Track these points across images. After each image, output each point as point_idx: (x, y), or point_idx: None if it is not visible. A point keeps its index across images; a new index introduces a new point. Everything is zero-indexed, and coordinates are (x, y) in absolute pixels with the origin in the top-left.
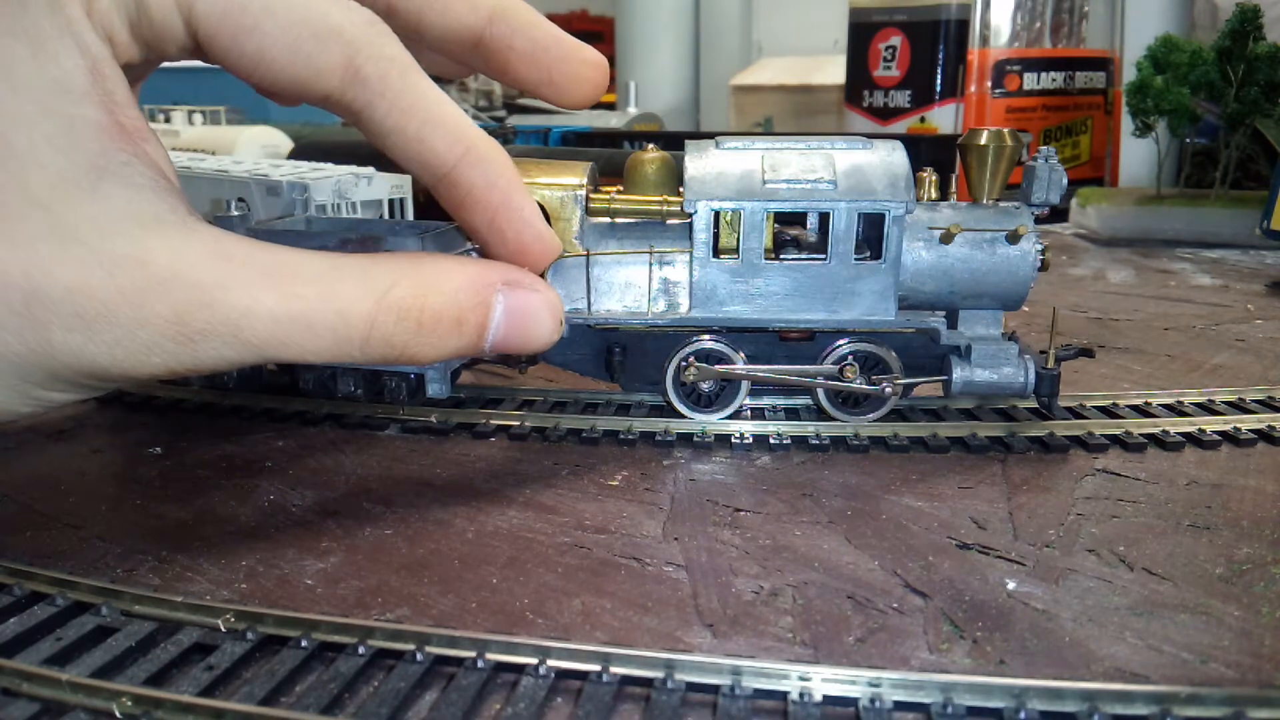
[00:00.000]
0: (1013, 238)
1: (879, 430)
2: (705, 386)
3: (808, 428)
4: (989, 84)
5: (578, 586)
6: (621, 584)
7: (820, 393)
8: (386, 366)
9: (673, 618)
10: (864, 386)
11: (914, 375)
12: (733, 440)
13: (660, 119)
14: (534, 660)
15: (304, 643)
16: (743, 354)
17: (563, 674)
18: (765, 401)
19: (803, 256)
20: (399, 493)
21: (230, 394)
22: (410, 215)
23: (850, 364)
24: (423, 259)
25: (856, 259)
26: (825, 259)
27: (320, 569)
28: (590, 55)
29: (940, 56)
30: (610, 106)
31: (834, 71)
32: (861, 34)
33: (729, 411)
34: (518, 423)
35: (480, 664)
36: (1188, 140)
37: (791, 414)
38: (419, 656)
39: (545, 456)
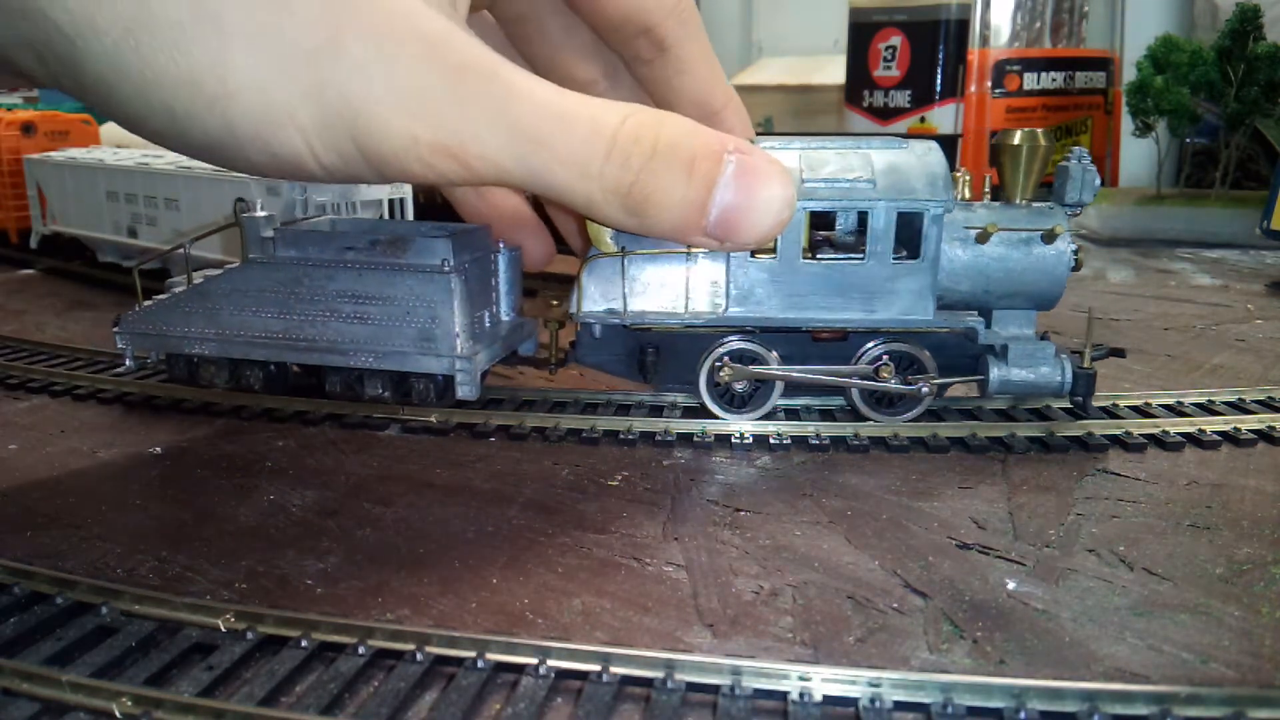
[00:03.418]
0: (1049, 237)
1: (879, 430)
2: (739, 387)
3: (807, 428)
4: (989, 84)
5: (578, 586)
6: (621, 584)
7: (855, 393)
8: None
9: (673, 618)
10: (900, 386)
11: (946, 375)
12: (733, 440)
13: None
14: (534, 660)
15: (304, 643)
16: (775, 354)
17: (563, 674)
18: (798, 402)
19: (840, 256)
20: (399, 493)
21: (230, 394)
22: (410, 215)
23: (886, 364)
24: (654, 109)
25: (894, 259)
26: (863, 259)
27: (320, 569)
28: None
29: (940, 56)
30: None
31: (834, 71)
32: (862, 34)
33: (763, 412)
34: (517, 423)
35: (480, 664)
36: (1188, 140)
37: (791, 414)
38: (419, 656)
39: (545, 456)
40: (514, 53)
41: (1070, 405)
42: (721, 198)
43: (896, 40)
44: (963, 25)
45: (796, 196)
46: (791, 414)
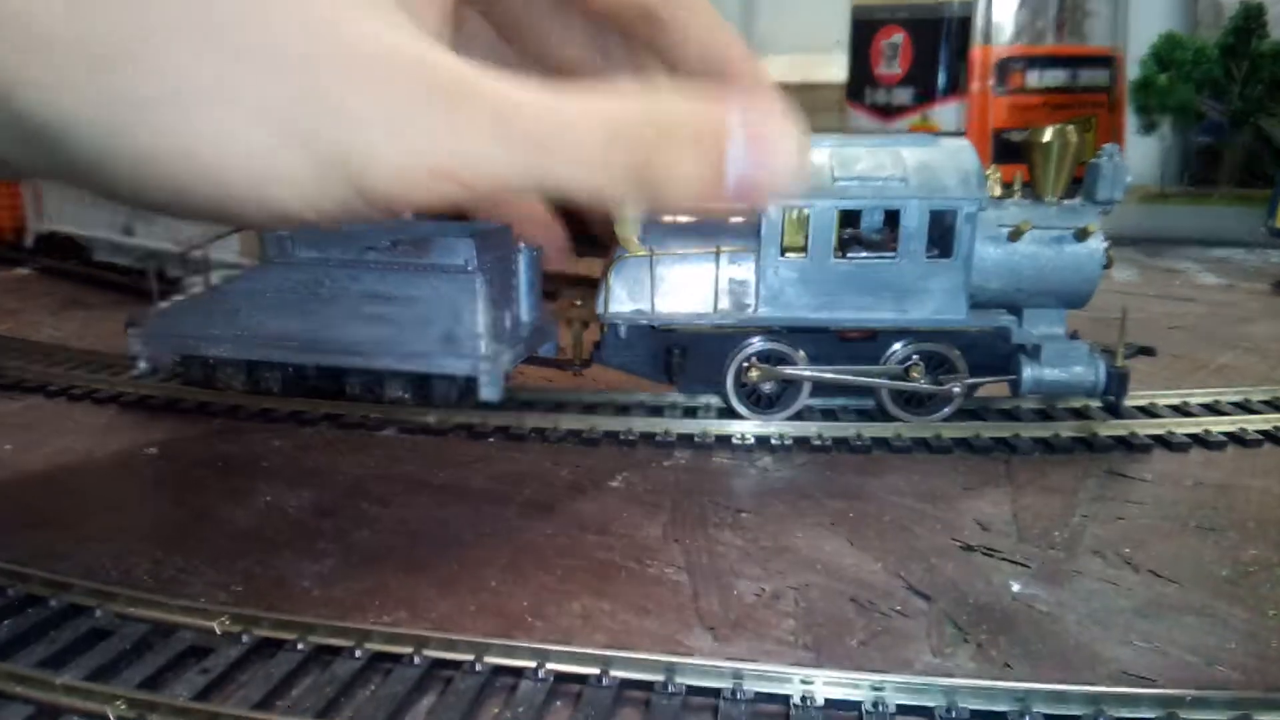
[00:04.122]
0: (1081, 235)
1: (881, 431)
2: (766, 388)
3: (809, 429)
4: (992, 81)
5: (577, 588)
6: (622, 586)
7: (884, 393)
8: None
9: (673, 620)
10: (931, 387)
11: (976, 375)
12: (734, 441)
13: None
14: (533, 663)
15: (300, 646)
16: (802, 354)
17: (562, 677)
18: (816, 401)
19: (872, 255)
20: (396, 494)
21: (225, 394)
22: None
23: (916, 364)
24: (649, 86)
25: (927, 257)
26: (895, 257)
27: (317, 571)
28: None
29: (943, 54)
30: None
31: (836, 69)
32: (864, 31)
33: (791, 412)
34: (516, 423)
35: (479, 667)
36: (1192, 138)
37: (793, 415)
38: (416, 660)
39: (545, 457)
40: (502, 44)
41: (1103, 404)
42: (735, 167)
43: (899, 38)
44: (965, 22)
45: (808, 140)
46: (793, 414)
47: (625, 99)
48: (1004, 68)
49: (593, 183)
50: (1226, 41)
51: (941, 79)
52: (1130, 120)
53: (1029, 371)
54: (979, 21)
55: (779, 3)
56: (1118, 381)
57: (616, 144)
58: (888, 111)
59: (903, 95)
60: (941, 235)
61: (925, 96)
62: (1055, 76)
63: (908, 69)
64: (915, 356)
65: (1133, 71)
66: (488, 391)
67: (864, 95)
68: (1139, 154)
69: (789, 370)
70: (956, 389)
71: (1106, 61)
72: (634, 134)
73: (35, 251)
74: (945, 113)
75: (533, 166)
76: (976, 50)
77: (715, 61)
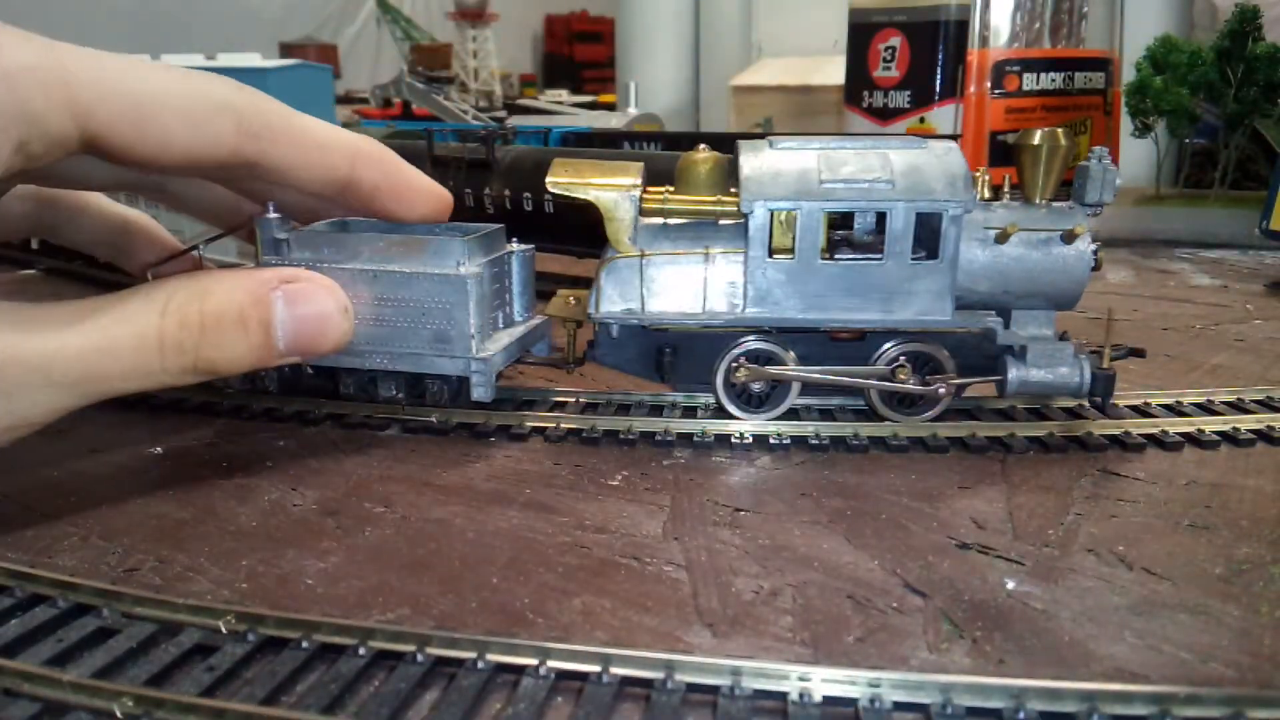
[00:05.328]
0: (1069, 237)
1: (879, 430)
2: (756, 387)
3: (807, 428)
4: (988, 84)
5: (578, 586)
6: (622, 584)
7: (873, 393)
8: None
9: (673, 617)
10: (918, 387)
11: (964, 375)
12: (733, 440)
13: (660, 119)
14: (534, 661)
15: (305, 644)
16: (792, 354)
17: (563, 674)
18: (800, 401)
19: (858, 256)
20: (399, 493)
21: (229, 394)
22: None
23: (903, 364)
24: (200, 273)
25: (913, 259)
26: (881, 259)
27: (321, 569)
28: (437, 189)
29: (940, 57)
30: (610, 107)
31: (833, 72)
32: (861, 34)
33: (779, 412)
34: (518, 423)
35: (481, 664)
36: (1187, 140)
37: (790, 414)
38: (419, 657)
39: (545, 456)
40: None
41: (1090, 405)
42: (283, 329)
43: (896, 41)
44: (962, 26)
45: (346, 300)
46: (791, 413)
47: (165, 300)
48: (1000, 71)
49: (155, 384)
50: (1222, 44)
51: (938, 82)
52: (1125, 123)
53: (1014, 372)
54: (975, 25)
55: (778, 6)
56: (1103, 383)
57: (166, 350)
58: (885, 114)
59: (900, 98)
60: (928, 237)
61: (922, 100)
62: (1051, 79)
63: (905, 72)
64: (902, 357)
65: (1128, 74)
66: (479, 392)
67: (862, 98)
68: (1134, 156)
69: (775, 370)
70: (943, 389)
71: (1102, 64)
72: (181, 336)
73: (41, 253)
74: (942, 116)
75: (92, 393)
76: (973, 53)
77: (329, 180)
